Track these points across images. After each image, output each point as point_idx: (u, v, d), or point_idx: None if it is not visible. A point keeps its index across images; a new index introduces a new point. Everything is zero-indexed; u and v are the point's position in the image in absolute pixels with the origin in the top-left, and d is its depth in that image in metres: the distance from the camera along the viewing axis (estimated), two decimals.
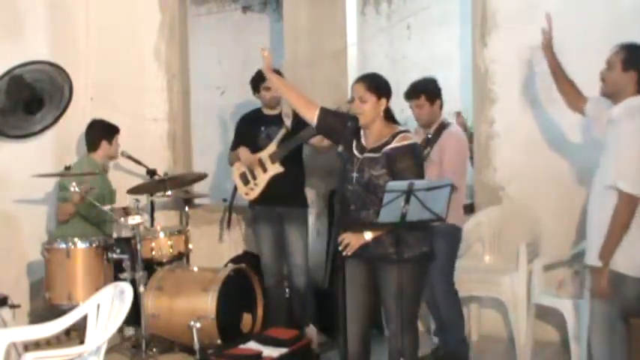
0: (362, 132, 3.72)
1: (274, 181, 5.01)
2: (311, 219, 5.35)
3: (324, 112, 3.80)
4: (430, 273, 4.51)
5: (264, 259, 5.15)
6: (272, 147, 5.03)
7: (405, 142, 3.62)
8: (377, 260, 3.63)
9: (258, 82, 5.06)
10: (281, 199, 5.00)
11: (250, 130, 5.16)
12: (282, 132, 5.02)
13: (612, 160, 3.45)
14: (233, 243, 5.92)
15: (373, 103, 3.66)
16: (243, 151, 5.09)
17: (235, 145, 5.22)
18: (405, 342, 3.63)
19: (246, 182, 5.11)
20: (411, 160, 3.60)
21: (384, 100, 3.69)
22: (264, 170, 5.04)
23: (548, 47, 4.20)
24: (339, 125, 3.76)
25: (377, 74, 3.81)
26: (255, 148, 5.09)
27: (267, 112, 5.15)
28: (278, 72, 5.05)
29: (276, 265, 5.13)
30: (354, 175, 3.64)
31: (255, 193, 5.08)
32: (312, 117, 3.80)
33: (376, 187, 3.58)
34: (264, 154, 5.04)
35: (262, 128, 5.10)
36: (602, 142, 3.66)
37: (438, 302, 4.57)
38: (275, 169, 5.01)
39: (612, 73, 3.58)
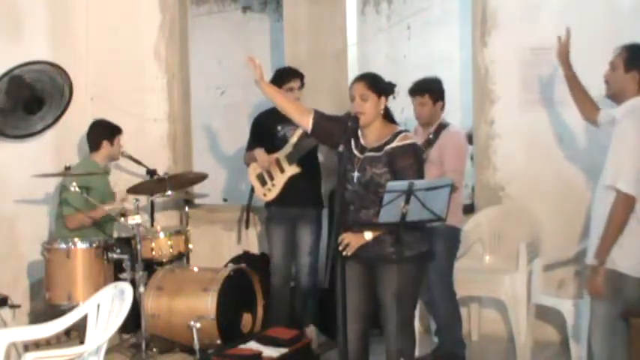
0: (360, 132, 3.71)
1: (291, 181, 5.00)
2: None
3: (319, 117, 3.78)
4: (429, 274, 4.54)
5: (274, 258, 5.12)
6: (289, 147, 5.00)
7: (407, 142, 3.62)
8: (376, 260, 3.63)
9: (279, 83, 4.97)
10: (298, 199, 4.98)
11: (267, 129, 5.11)
12: (299, 132, 4.99)
13: (612, 159, 3.45)
14: (242, 244, 5.91)
15: (374, 101, 3.65)
16: (260, 153, 5.04)
17: (251, 145, 5.18)
18: (402, 342, 3.64)
19: (263, 183, 5.09)
20: (412, 159, 3.61)
21: (383, 99, 3.69)
22: (282, 171, 5.01)
23: (564, 58, 4.18)
24: (336, 128, 3.74)
25: (375, 73, 3.81)
26: (272, 148, 5.06)
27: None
28: (296, 71, 5.01)
29: (285, 265, 5.11)
30: (355, 174, 3.63)
31: (272, 194, 5.04)
32: (306, 123, 3.78)
33: (377, 185, 3.58)
34: (281, 155, 5.01)
35: (279, 128, 5.06)
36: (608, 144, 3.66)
37: (436, 303, 4.58)
38: (292, 169, 4.99)
39: (615, 74, 3.60)
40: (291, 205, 5.00)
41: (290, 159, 4.99)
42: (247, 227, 5.72)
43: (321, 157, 5.22)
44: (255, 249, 5.83)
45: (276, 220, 5.12)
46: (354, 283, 3.68)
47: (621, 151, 3.42)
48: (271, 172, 5.03)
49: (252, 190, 5.26)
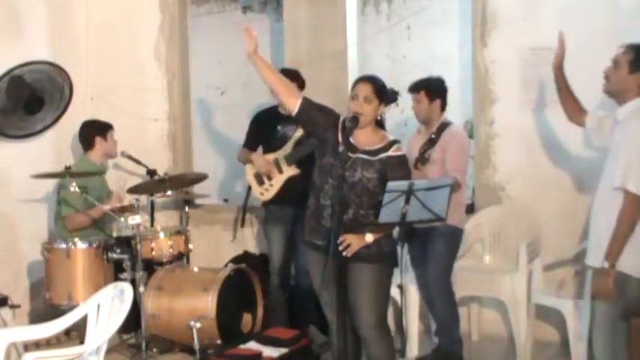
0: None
1: (290, 182, 4.99)
2: None
3: (308, 104, 3.74)
4: (428, 273, 4.54)
5: (273, 258, 5.11)
6: (288, 148, 5.01)
7: (400, 153, 3.69)
8: (347, 258, 3.58)
9: None
10: (296, 200, 4.97)
11: (266, 128, 5.11)
12: (299, 133, 4.98)
13: (620, 161, 3.43)
14: (237, 243, 5.91)
15: (375, 106, 3.68)
16: (257, 158, 5.06)
17: (249, 142, 5.18)
18: (379, 343, 3.65)
19: (260, 182, 5.08)
20: (407, 170, 3.70)
21: (382, 105, 3.73)
22: (280, 172, 5.02)
23: (558, 67, 4.16)
24: (323, 119, 3.73)
25: (380, 78, 3.80)
26: (271, 147, 5.07)
27: (283, 111, 5.12)
28: (292, 71, 4.98)
29: (284, 266, 5.11)
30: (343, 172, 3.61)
31: (270, 194, 5.05)
32: (293, 105, 3.72)
33: (364, 188, 3.60)
34: (280, 155, 5.02)
35: (278, 127, 5.06)
36: (608, 146, 3.64)
37: (434, 303, 4.58)
38: (291, 171, 4.99)
39: (618, 73, 3.56)
40: (289, 206, 4.99)
41: (289, 160, 4.99)
42: (242, 226, 5.72)
43: None
44: (251, 248, 5.82)
45: (274, 221, 5.10)
46: (333, 282, 3.61)
47: (630, 153, 3.40)
48: (269, 172, 5.03)
49: (249, 188, 5.26)
